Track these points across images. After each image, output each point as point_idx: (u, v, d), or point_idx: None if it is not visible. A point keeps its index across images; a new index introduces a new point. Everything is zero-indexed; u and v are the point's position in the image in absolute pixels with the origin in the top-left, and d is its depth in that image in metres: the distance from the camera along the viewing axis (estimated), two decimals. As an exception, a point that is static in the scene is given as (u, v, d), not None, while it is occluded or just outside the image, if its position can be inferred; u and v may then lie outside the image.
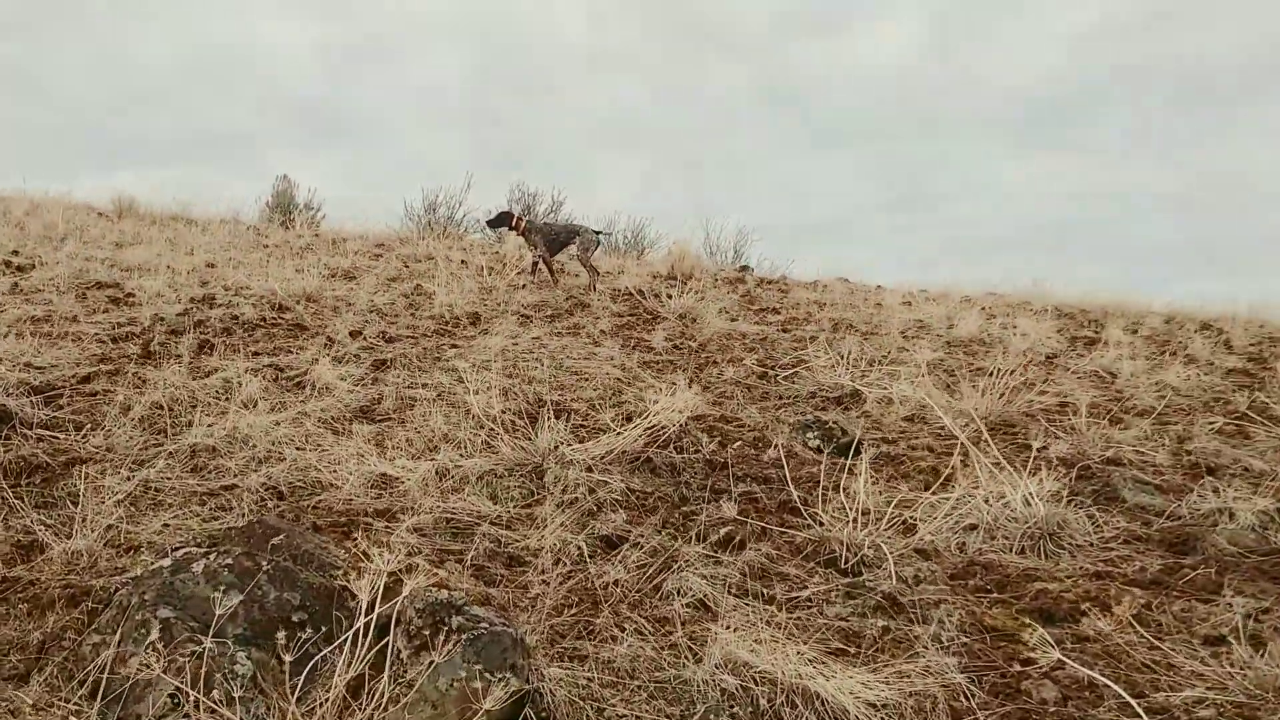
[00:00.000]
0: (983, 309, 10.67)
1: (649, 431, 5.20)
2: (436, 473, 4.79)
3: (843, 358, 7.20)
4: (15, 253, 11.36)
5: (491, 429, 5.37)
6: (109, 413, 5.32)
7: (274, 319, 8.36)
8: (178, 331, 7.61)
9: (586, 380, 6.75)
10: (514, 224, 11.79)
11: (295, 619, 3.34)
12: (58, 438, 4.96)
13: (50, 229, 13.77)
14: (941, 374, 7.50)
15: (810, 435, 5.78)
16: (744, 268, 18.42)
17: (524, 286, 11.39)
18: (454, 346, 7.63)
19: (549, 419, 5.29)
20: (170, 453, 4.83)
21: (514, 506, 4.55)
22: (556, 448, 5.07)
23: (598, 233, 11.80)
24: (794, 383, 6.95)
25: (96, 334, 7.31)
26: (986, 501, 4.48)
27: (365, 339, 7.66)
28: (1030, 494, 4.53)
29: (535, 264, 11.73)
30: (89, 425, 5.14)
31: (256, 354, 6.95)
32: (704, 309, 10.10)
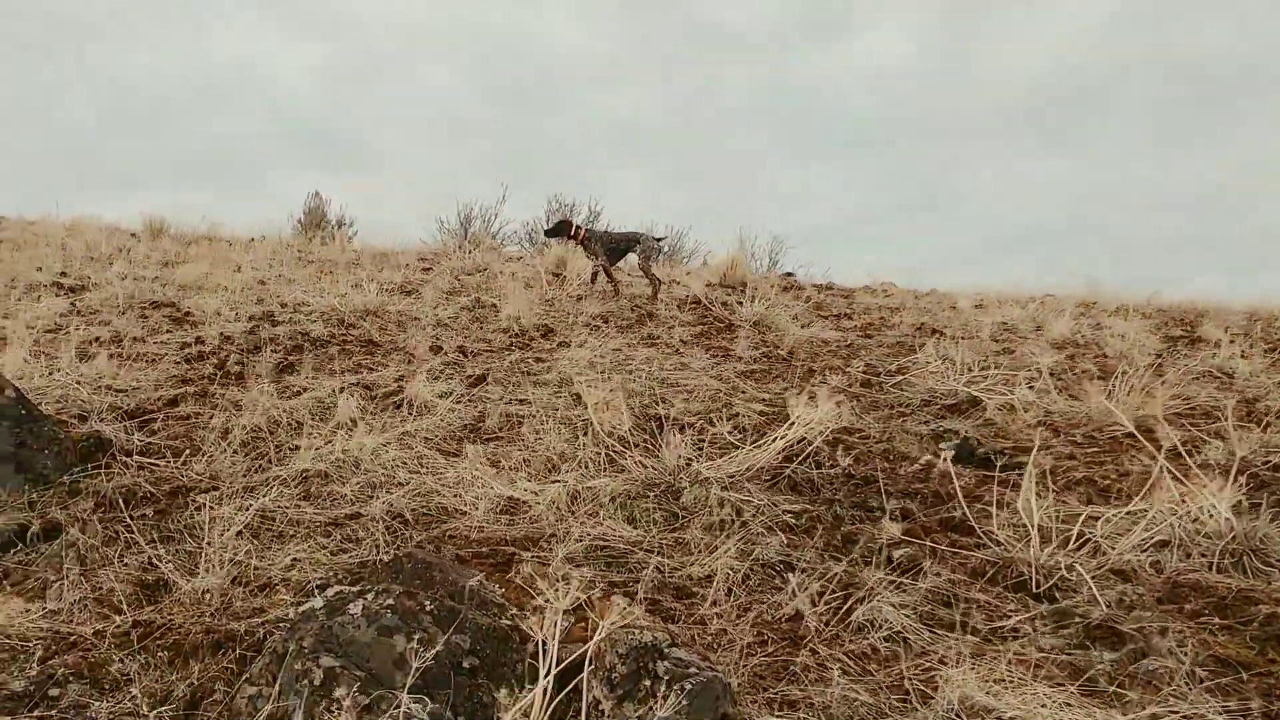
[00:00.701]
0: (1071, 310, 10.27)
1: (782, 445, 4.85)
2: (568, 495, 4.45)
3: (952, 364, 6.83)
4: (64, 273, 11.12)
5: (611, 445, 5.03)
6: (207, 437, 5.00)
7: (343, 335, 8.05)
8: (249, 350, 7.31)
9: (688, 392, 6.40)
10: (573, 233, 11.46)
11: (466, 665, 3.00)
12: (158, 465, 4.64)
13: (93, 249, 13.54)
14: (1048, 378, 7.13)
15: (945, 446, 5.42)
16: (789, 274, 18.07)
17: (584, 297, 11.06)
18: (538, 360, 7.30)
19: (672, 434, 4.96)
20: (280, 479, 4.50)
21: (657, 530, 4.21)
22: (688, 464, 4.73)
23: (658, 239, 11.48)
24: (903, 391, 6.59)
25: (167, 354, 7.01)
26: (1176, 515, 4.11)
27: (446, 354, 7.34)
28: (1215, 506, 4.15)
29: (595, 273, 11.40)
30: (188, 451, 4.82)
31: (339, 372, 6.63)
32: (775, 316, 9.75)
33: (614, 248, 11.35)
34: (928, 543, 4.07)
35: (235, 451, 4.83)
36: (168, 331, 7.99)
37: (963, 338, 8.60)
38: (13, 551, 3.81)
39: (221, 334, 7.81)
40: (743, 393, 6.50)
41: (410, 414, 5.61)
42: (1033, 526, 3.95)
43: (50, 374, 5.99)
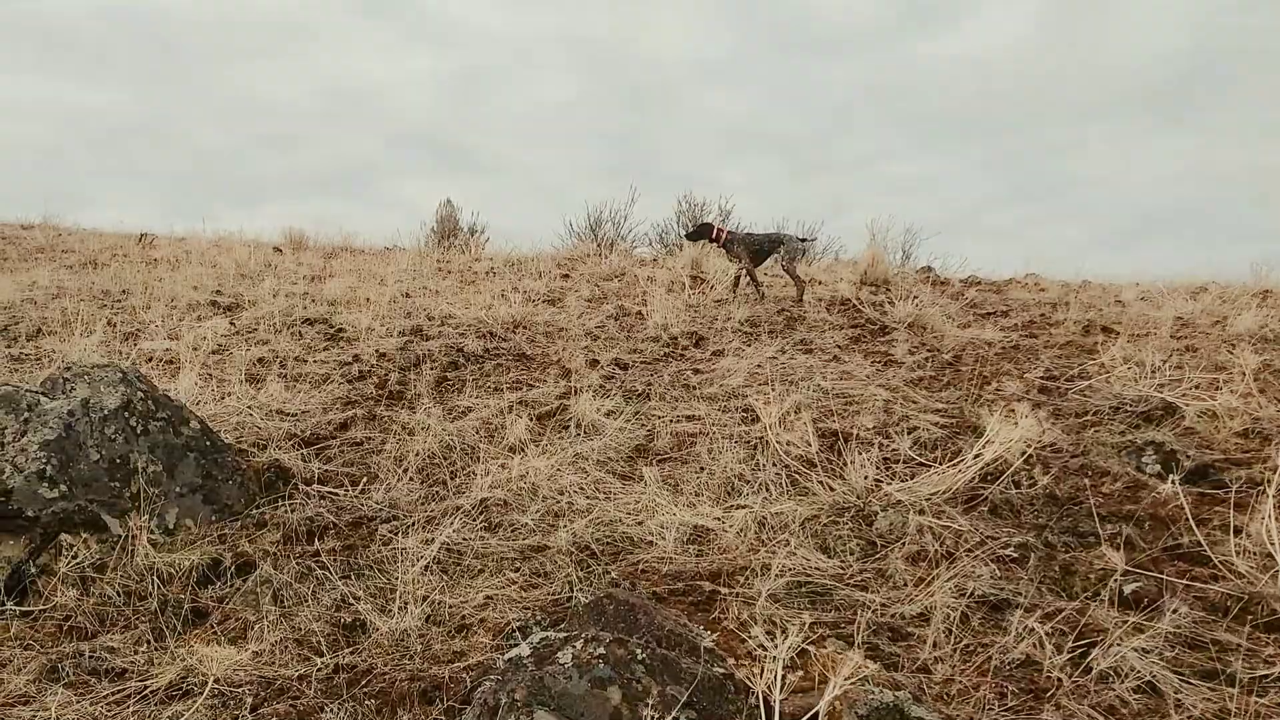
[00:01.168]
0: (1247, 301, 9.60)
1: (978, 465, 4.55)
2: (755, 522, 4.25)
3: (1140, 366, 6.37)
4: (219, 291, 11.42)
5: (791, 465, 4.81)
6: (382, 464, 4.97)
7: (495, 349, 8.01)
8: (406, 367, 7.32)
9: (858, 403, 6.13)
10: (714, 235, 11.26)
11: (684, 719, 2.83)
12: (337, 494, 4.62)
13: (243, 266, 13.94)
14: (1250, 380, 6.60)
15: (1147, 459, 5.02)
16: (926, 268, 17.49)
17: (727, 301, 10.85)
18: (696, 371, 7.12)
19: (854, 453, 4.72)
20: (460, 509, 4.42)
21: (854, 559, 3.97)
22: (876, 486, 4.48)
23: (802, 239, 11.19)
24: (1087, 397, 6.17)
25: (327, 374, 7.07)
26: None
27: (602, 367, 7.22)
28: None
29: (738, 276, 11.18)
30: (365, 479, 4.79)
31: (497, 389, 6.57)
32: (929, 316, 9.36)
33: (757, 249, 11.10)
34: (1155, 574, 3.74)
35: (412, 478, 4.78)
36: (324, 349, 8.08)
37: (1138, 335, 8.07)
38: (210, 587, 3.81)
39: (377, 351, 7.86)
40: (914, 403, 6.19)
41: (578, 434, 5.48)
42: (1279, 555, 3.58)
43: (222, 398, 6.07)
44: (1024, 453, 4.58)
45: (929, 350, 7.96)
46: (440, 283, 12.45)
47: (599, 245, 19.09)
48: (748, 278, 11.14)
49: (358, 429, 5.56)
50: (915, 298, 10.16)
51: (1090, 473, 4.90)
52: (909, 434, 5.39)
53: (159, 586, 3.77)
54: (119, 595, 3.72)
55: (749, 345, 8.28)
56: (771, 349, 7.96)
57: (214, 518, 4.41)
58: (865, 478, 4.51)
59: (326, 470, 4.87)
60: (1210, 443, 5.47)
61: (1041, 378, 6.64)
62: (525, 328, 9.11)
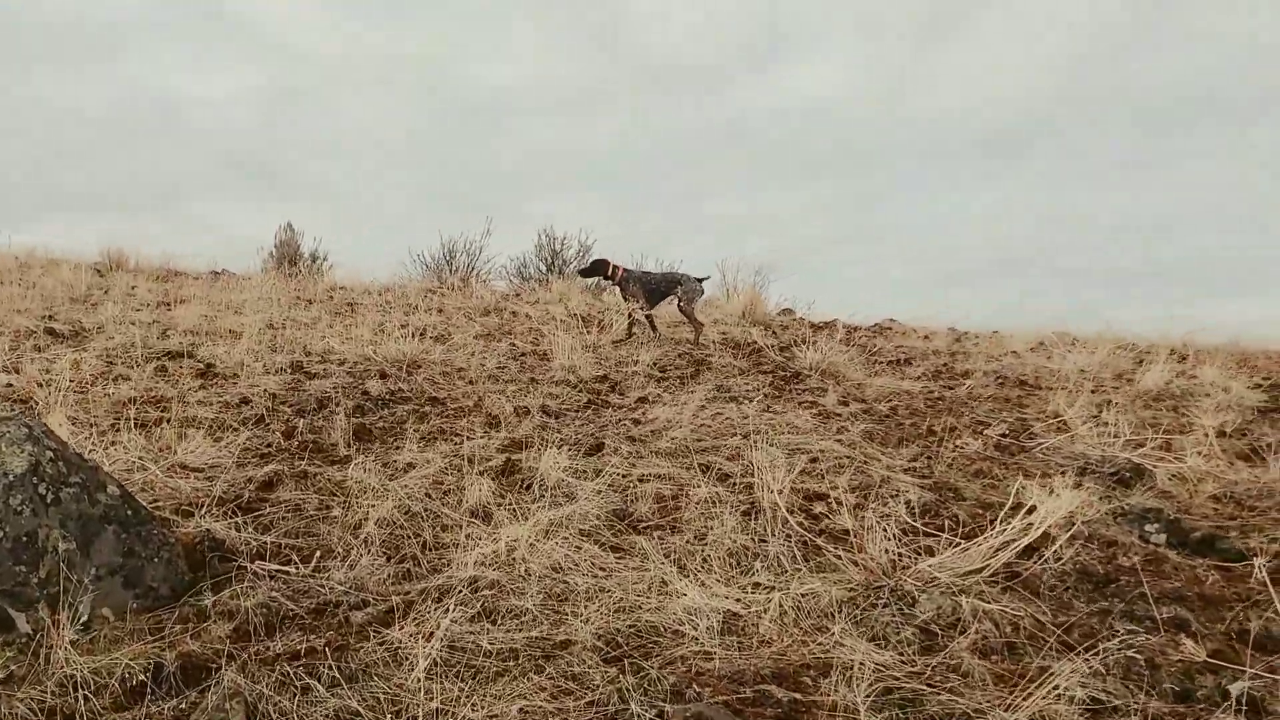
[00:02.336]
0: (1151, 356, 9.82)
1: (1000, 539, 4.21)
2: (791, 606, 3.76)
3: (1103, 424, 6.25)
4: (51, 317, 10.15)
5: (799, 534, 4.37)
6: (331, 533, 4.23)
7: (399, 392, 7.27)
8: (306, 411, 6.51)
9: (820, 461, 5.75)
10: (609, 273, 10.80)
11: None
12: (287, 572, 3.85)
13: (71, 289, 12.54)
14: (1214, 440, 6.60)
15: (1150, 528, 4.82)
16: (788, 310, 17.53)
17: (624, 341, 10.39)
18: (635, 423, 6.59)
19: (851, 518, 4.31)
20: (444, 592, 3.74)
21: (914, 652, 3.53)
22: (899, 562, 4.08)
23: (699, 280, 10.85)
24: (1049, 457, 6.00)
25: (219, 418, 6.19)
26: None
27: (532, 416, 6.60)
28: None
29: (632, 316, 10.74)
30: (317, 552, 4.03)
31: (427, 439, 5.87)
32: (838, 363, 9.15)
33: (654, 289, 10.72)
34: (1233, 665, 3.46)
35: (373, 552, 4.07)
36: (201, 388, 7.14)
37: (1053, 389, 8.06)
38: (156, 703, 3.02)
39: (266, 392, 6.99)
40: (878, 460, 5.86)
41: (544, 495, 4.87)
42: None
43: (107, 448, 5.15)
44: (1062, 524, 4.28)
45: (858, 401, 7.71)
46: (304, 313, 11.49)
47: (456, 278, 18.33)
48: (643, 319, 10.72)
49: (286, 489, 4.77)
50: (814, 343, 9.95)
51: (1097, 542, 4.66)
52: (895, 499, 5.04)
53: (87, 703, 2.96)
54: (37, 718, 2.90)
55: (669, 393, 7.83)
56: (697, 397, 7.52)
57: (137, 604, 3.59)
58: (885, 551, 4.10)
59: (268, 542, 4.08)
60: (1188, 508, 5.35)
61: (1002, 435, 6.44)
62: (421, 368, 8.37)
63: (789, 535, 4.42)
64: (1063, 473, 5.67)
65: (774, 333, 12.07)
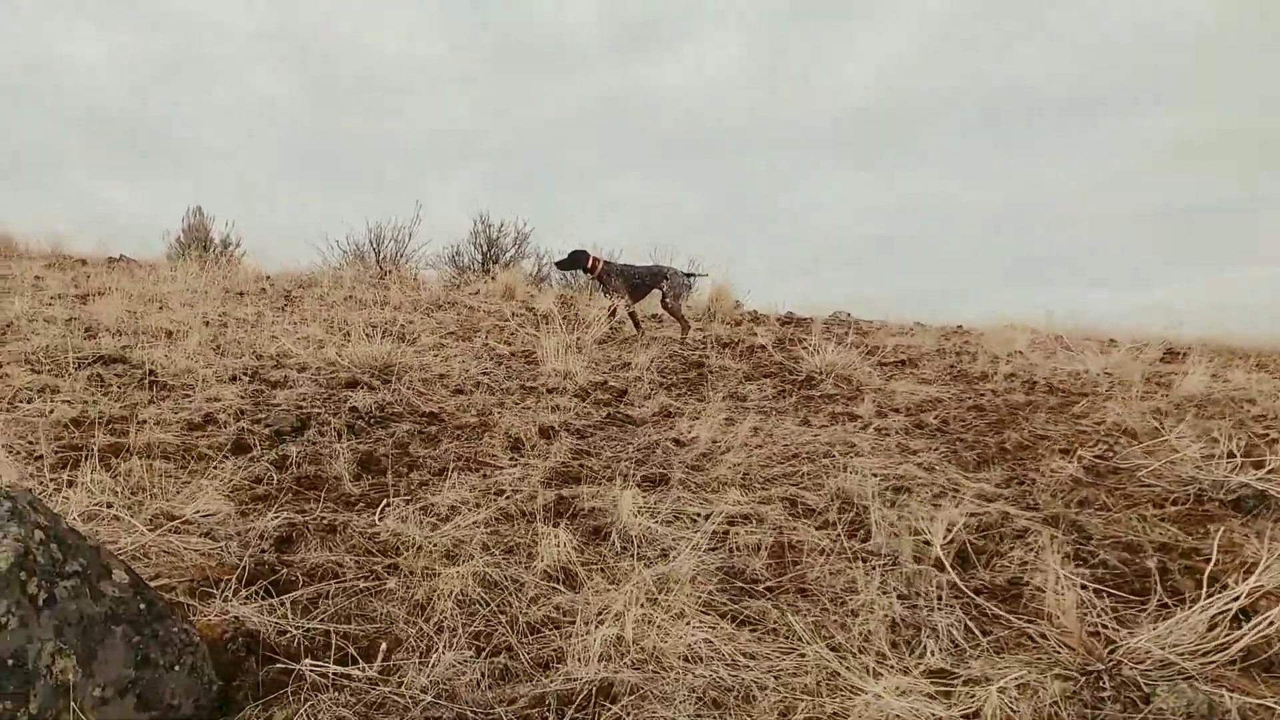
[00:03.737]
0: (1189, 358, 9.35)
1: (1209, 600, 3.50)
2: (1006, 706, 2.98)
3: (1216, 442, 5.61)
4: (-54, 313, 8.82)
5: (953, 594, 3.60)
6: (395, 614, 3.29)
7: (390, 406, 6.28)
8: (286, 432, 5.50)
9: (910, 490, 4.99)
10: (589, 266, 9.91)
11: None
12: (351, 677, 2.91)
13: (-38, 279, 11.12)
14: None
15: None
16: (737, 303, 16.87)
17: (610, 340, 9.52)
18: (675, 443, 5.74)
19: (1050, 582, 3.57)
20: (568, 701, 2.86)
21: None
22: (1099, 633, 3.34)
23: (689, 275, 10.04)
24: (1154, 484, 5.35)
25: (186, 443, 5.13)
26: None
27: (561, 436, 5.70)
28: None
29: (614, 312, 9.87)
30: (384, 644, 3.09)
31: (443, 471, 4.92)
32: (847, 363, 8.45)
33: (637, 283, 9.88)
34: None
35: (459, 643, 3.15)
36: (152, 403, 6.05)
37: (1099, 395, 7.47)
38: None
39: (231, 409, 5.94)
40: (966, 485, 5.13)
41: (629, 548, 3.99)
42: None
43: (61, 489, 4.09)
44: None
45: (894, 410, 6.99)
46: (240, 309, 10.31)
47: (382, 267, 17.15)
48: (625, 313, 9.87)
49: (310, 547, 3.79)
50: (806, 341, 9.24)
51: (1275, 593, 3.99)
52: (1021, 539, 4.30)
53: None
54: None
55: (680, 401, 7.01)
56: (715, 407, 6.71)
57: (156, 735, 2.63)
58: (1082, 621, 3.35)
59: (314, 630, 3.13)
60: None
61: (1096, 457, 5.76)
62: (397, 375, 7.37)
63: (940, 595, 3.65)
64: (1179, 501, 5.02)
65: (751, 330, 11.34)
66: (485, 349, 8.77)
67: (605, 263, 9.94)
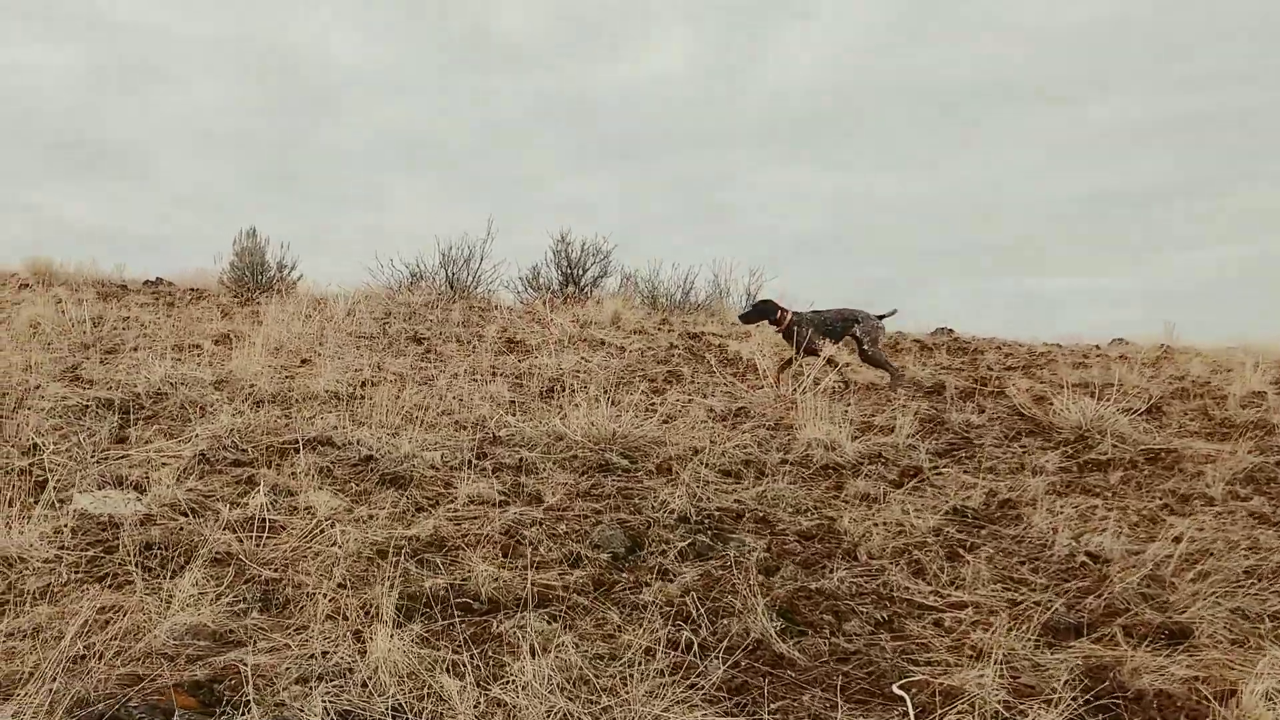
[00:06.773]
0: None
1: None
2: None
3: None
4: (75, 369, 7.78)
5: None
6: None
7: (706, 509, 5.31)
8: (620, 556, 4.54)
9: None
10: (778, 317, 9.03)
11: None
12: None
13: (61, 325, 10.01)
14: None
15: None
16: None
17: (797, 394, 8.58)
18: (1081, 565, 4.79)
19: None
20: None
21: None
22: None
23: (881, 316, 9.13)
24: None
25: (536, 585, 4.13)
26: None
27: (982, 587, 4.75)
28: None
29: (784, 367, 9.02)
30: None
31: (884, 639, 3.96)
32: (1097, 415, 7.54)
33: (829, 330, 8.97)
34: None
35: None
36: (419, 510, 5.07)
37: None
38: None
39: (521, 519, 4.96)
40: None
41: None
42: None
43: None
44: None
45: (1228, 484, 6.07)
46: (391, 358, 9.30)
47: (455, 289, 16.05)
48: (826, 364, 8.93)
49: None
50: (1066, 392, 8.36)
51: None
52: None
53: None
54: None
55: (986, 479, 6.11)
56: (1035, 486, 5.83)
57: None
58: None
59: None
60: None
61: None
62: (643, 452, 6.44)
63: None
64: None
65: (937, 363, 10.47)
66: (711, 413, 7.83)
67: (795, 313, 9.05)
